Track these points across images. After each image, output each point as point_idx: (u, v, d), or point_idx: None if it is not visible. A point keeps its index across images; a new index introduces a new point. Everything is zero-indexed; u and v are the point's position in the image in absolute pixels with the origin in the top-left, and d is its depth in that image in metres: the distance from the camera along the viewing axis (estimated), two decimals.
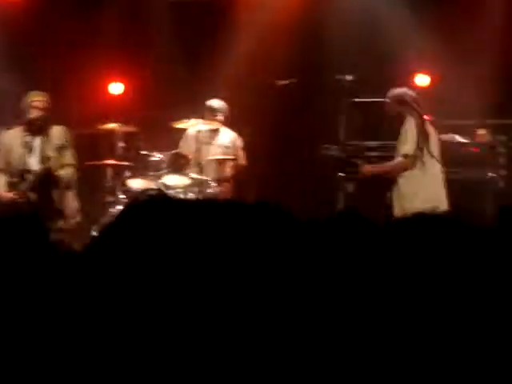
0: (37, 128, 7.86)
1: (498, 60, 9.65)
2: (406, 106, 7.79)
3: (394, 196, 7.88)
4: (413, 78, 9.83)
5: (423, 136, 7.69)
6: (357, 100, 8.86)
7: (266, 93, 9.77)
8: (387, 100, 7.98)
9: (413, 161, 7.68)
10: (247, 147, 9.48)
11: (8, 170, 7.90)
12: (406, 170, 7.75)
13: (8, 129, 8.19)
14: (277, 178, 10.17)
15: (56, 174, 7.80)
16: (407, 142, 7.69)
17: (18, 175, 7.77)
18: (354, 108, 8.80)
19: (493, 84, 9.46)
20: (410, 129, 7.70)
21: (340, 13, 9.93)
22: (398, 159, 7.80)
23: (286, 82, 9.37)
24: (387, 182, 8.25)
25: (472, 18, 9.64)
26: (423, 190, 7.68)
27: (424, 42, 9.57)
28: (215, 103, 9.34)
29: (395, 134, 7.95)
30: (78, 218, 7.98)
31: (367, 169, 8.14)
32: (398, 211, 7.75)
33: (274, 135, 10.18)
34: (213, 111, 9.28)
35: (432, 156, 7.72)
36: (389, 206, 7.92)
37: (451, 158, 8.46)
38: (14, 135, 7.95)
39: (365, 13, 9.96)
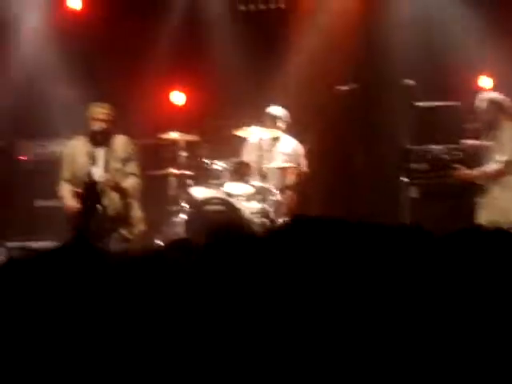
0: (101, 139, 7.95)
1: None
2: (505, 112, 7.74)
3: (482, 202, 7.79)
4: (475, 81, 9.69)
5: None
6: (418, 104, 8.79)
7: (327, 99, 9.75)
8: (482, 104, 7.91)
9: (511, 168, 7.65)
10: (309, 154, 9.45)
11: (73, 181, 8.00)
12: (503, 176, 7.68)
13: (70, 139, 8.30)
14: (340, 185, 10.12)
15: (120, 184, 7.88)
16: (506, 149, 7.62)
17: (83, 185, 7.86)
18: (416, 112, 8.71)
19: None
20: (509, 135, 7.64)
21: (400, 17, 9.87)
22: (496, 165, 7.71)
23: (347, 87, 9.33)
24: (451, 188, 8.19)
25: None
26: None
27: (486, 44, 9.43)
28: (276, 110, 9.35)
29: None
30: (143, 227, 8.04)
31: (463, 173, 8.07)
32: (484, 218, 7.64)
33: (336, 141, 10.13)
34: (274, 118, 9.29)
35: None
36: (468, 213, 7.84)
37: None
38: (79, 146, 8.06)
39: (425, 16, 9.86)
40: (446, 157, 8.61)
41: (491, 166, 7.75)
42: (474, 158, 8.64)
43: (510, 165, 7.62)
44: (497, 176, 7.70)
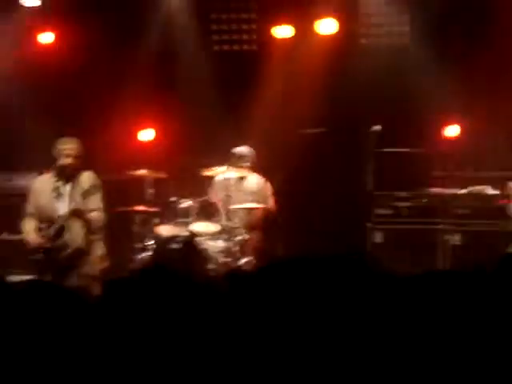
0: (67, 174, 7.93)
1: None
2: None
3: None
4: (441, 128, 9.80)
5: None
6: (385, 150, 8.88)
7: (296, 140, 9.83)
8: None
9: None
10: (277, 193, 9.49)
11: (37, 215, 7.97)
12: None
13: (40, 174, 8.29)
14: (306, 224, 10.16)
15: (84, 217, 7.82)
16: None
17: (47, 220, 7.84)
18: (382, 158, 8.80)
19: None
20: None
21: (368, 64, 9.97)
22: None
23: (315, 130, 9.42)
24: (414, 233, 8.25)
25: (504, 69, 9.64)
26: None
27: (453, 93, 9.55)
28: (242, 150, 9.41)
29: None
30: (106, 264, 7.99)
31: None
32: None
33: (303, 182, 10.19)
34: (239, 158, 9.34)
35: None
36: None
37: (482, 209, 8.45)
38: (45, 181, 8.03)
39: (393, 64, 9.97)
40: (410, 203, 8.69)
41: None
42: (440, 205, 8.73)
43: None
44: None
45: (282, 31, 10.41)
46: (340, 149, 10.14)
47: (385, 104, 9.80)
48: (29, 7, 10.32)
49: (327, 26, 10.18)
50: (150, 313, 2.42)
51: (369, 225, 8.64)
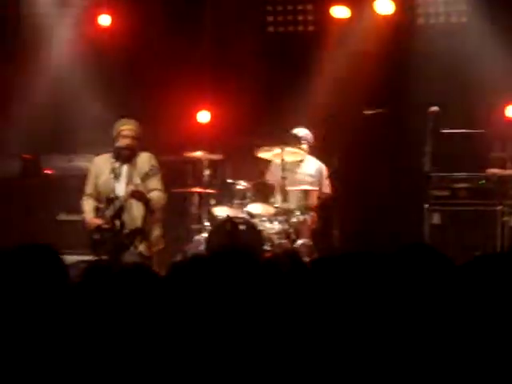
0: (125, 156, 7.99)
1: None
2: None
3: None
4: (502, 108, 9.65)
5: None
6: (442, 131, 8.78)
7: (354, 122, 9.77)
8: None
9: None
10: (333, 176, 9.46)
11: (96, 196, 8.06)
12: None
13: (98, 155, 8.38)
14: (362, 207, 10.11)
15: (143, 198, 7.87)
16: None
17: (106, 201, 7.91)
18: (440, 139, 8.70)
19: None
20: None
21: (429, 44, 9.87)
22: None
23: (374, 111, 9.34)
24: (472, 215, 8.17)
25: None
26: None
27: None
28: (300, 131, 9.39)
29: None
30: (162, 245, 8.05)
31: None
32: None
33: (361, 164, 10.13)
34: (298, 139, 9.32)
35: None
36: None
37: None
38: (104, 161, 8.12)
39: (454, 44, 9.86)
40: (468, 185, 8.59)
41: None
42: (498, 186, 8.62)
43: None
44: None
45: (339, 11, 10.35)
46: (397, 129, 10.06)
47: (443, 84, 9.68)
48: None
49: (384, 6, 10.10)
50: (220, 293, 2.44)
51: (426, 206, 8.56)
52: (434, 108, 8.63)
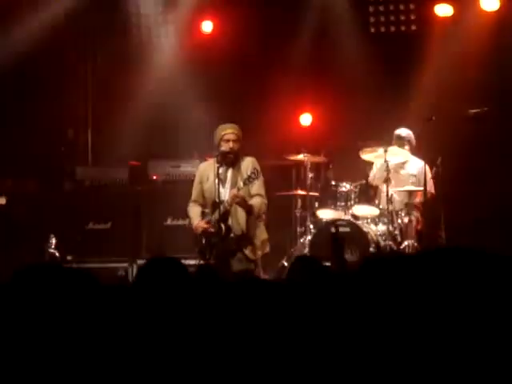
0: (229, 160, 8.05)
1: None
2: None
3: None
4: None
5: None
6: None
7: (458, 121, 9.62)
8: None
9: None
10: (437, 176, 9.33)
11: (202, 201, 8.16)
12: None
13: (204, 161, 8.49)
14: (468, 208, 9.94)
15: (245, 202, 7.90)
16: None
17: (211, 206, 8.00)
18: None
19: None
20: None
21: None
22: None
23: (478, 110, 9.19)
24: None
25: None
26: None
27: None
28: (403, 132, 9.31)
29: None
30: (267, 249, 8.07)
31: None
32: None
33: (466, 165, 9.97)
34: (401, 140, 9.25)
35: None
36: None
37: None
38: (209, 167, 8.19)
39: None
40: None
41: None
42: None
43: None
44: None
45: (442, 10, 10.23)
46: (504, 128, 9.87)
47: None
48: None
49: (490, 3, 9.95)
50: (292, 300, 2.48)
51: None
52: None
